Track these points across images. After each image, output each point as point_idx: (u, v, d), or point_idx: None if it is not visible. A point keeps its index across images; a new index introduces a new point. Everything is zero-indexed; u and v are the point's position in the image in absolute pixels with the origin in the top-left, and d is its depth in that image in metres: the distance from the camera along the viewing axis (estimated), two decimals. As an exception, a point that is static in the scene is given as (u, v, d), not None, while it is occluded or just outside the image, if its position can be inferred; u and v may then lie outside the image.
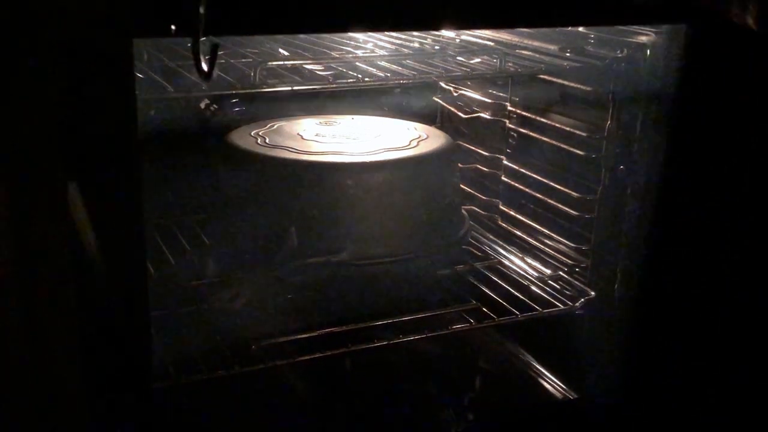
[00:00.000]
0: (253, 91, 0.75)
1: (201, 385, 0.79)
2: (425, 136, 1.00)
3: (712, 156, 0.82)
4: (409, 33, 1.03)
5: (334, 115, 1.08)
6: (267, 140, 0.96)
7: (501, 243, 1.10)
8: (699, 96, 0.80)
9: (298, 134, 0.98)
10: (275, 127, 1.02)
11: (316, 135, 0.98)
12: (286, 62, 0.84)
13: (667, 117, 0.82)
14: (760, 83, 0.80)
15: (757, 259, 0.88)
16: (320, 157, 0.90)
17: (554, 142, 0.99)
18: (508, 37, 1.03)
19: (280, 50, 0.94)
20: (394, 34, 1.03)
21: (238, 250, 0.93)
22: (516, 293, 0.94)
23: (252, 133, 0.98)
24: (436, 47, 0.98)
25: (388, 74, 0.83)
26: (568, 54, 0.90)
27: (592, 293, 0.95)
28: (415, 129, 1.03)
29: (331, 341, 0.90)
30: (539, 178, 1.02)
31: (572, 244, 0.99)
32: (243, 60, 0.88)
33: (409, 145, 0.96)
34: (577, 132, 0.94)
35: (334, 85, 0.82)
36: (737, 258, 0.87)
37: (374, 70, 0.86)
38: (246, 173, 0.93)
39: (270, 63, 0.82)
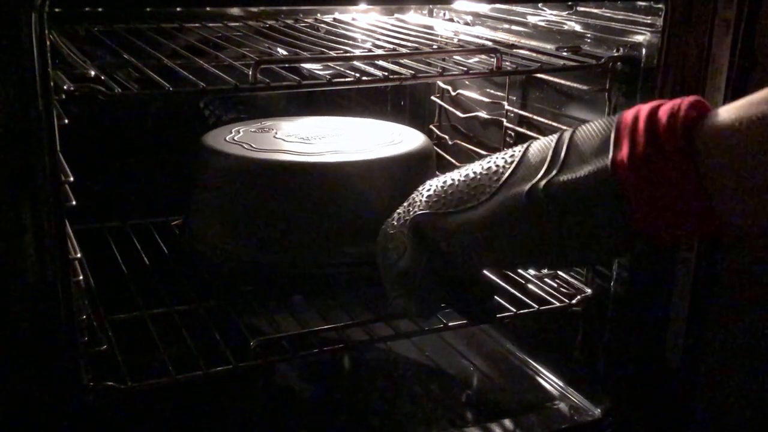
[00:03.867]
0: (252, 90, 0.75)
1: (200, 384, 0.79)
2: (399, 139, 1.00)
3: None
4: (407, 33, 1.04)
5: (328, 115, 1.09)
6: (236, 138, 0.98)
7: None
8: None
9: (273, 135, 1.00)
10: (248, 128, 1.04)
11: (288, 135, 1.00)
12: (284, 62, 0.85)
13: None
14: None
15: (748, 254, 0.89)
16: (288, 157, 0.92)
17: (552, 141, 0.99)
18: (506, 37, 1.03)
19: (279, 50, 0.95)
20: (393, 33, 1.03)
21: None
22: (513, 291, 0.94)
23: (226, 136, 0.99)
24: (434, 46, 0.98)
25: (387, 73, 0.83)
26: (564, 53, 0.91)
27: (589, 291, 0.95)
28: (391, 131, 1.04)
29: (328, 338, 0.90)
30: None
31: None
32: (242, 60, 0.89)
33: (381, 146, 0.97)
34: (575, 131, 0.94)
35: (332, 85, 0.82)
36: (734, 254, 0.88)
37: (373, 69, 0.86)
38: (213, 171, 0.95)
39: (268, 62, 0.82)
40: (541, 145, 0.67)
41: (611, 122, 0.63)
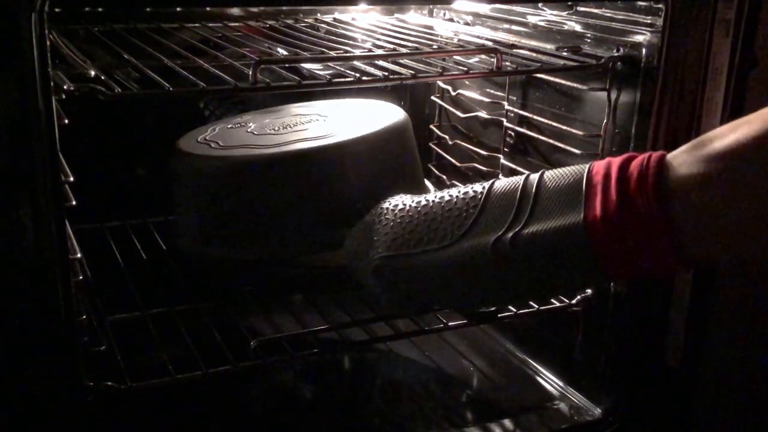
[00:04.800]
0: (252, 90, 0.75)
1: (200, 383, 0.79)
2: (374, 117, 0.96)
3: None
4: (407, 33, 1.04)
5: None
6: (208, 137, 0.96)
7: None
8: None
9: (246, 130, 0.98)
10: (225, 125, 1.02)
11: (261, 128, 0.97)
12: (283, 62, 0.85)
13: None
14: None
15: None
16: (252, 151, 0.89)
17: (551, 141, 0.99)
18: (506, 37, 1.03)
19: (279, 50, 0.95)
20: (393, 33, 1.03)
21: None
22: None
23: (199, 136, 0.97)
24: (434, 47, 0.98)
25: (387, 73, 0.83)
26: (564, 53, 0.91)
27: (589, 291, 0.95)
28: (369, 109, 1.01)
29: (328, 338, 0.90)
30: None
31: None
32: (242, 60, 0.89)
33: (354, 126, 0.93)
34: (574, 131, 0.94)
35: (332, 85, 0.82)
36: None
37: (373, 69, 0.86)
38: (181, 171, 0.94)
39: (268, 62, 0.82)
40: (505, 190, 0.67)
41: (580, 173, 0.63)
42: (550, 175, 0.66)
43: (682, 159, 0.58)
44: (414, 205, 0.71)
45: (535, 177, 0.66)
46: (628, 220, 0.58)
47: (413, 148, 0.98)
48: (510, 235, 0.63)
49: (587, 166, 0.64)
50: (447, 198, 0.69)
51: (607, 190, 0.60)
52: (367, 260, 0.72)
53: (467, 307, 0.77)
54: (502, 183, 0.68)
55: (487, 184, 0.69)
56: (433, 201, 0.70)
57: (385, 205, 0.74)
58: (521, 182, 0.66)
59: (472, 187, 0.69)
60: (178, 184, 0.95)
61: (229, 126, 1.01)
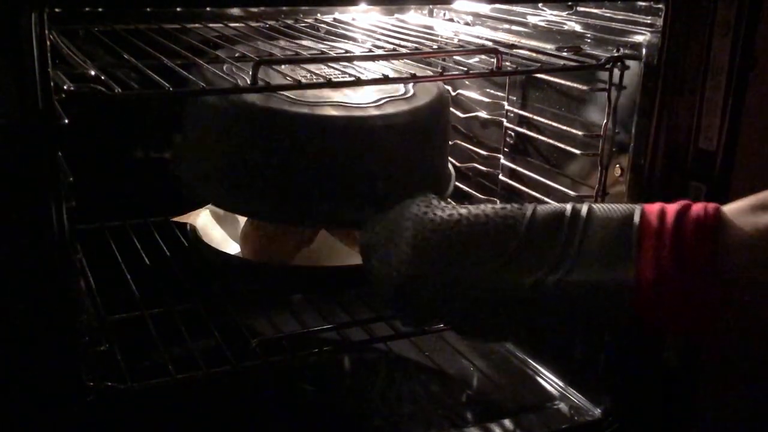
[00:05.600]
0: (252, 90, 0.75)
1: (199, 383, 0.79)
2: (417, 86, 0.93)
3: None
4: (407, 33, 1.04)
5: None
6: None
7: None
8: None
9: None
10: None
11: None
12: (284, 62, 0.85)
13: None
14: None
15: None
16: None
17: (551, 141, 0.99)
18: (506, 37, 1.03)
19: (279, 50, 0.95)
20: (393, 33, 1.03)
21: None
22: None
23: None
24: (434, 47, 0.98)
25: (387, 73, 0.83)
26: (565, 53, 0.91)
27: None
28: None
29: (328, 338, 0.90)
30: (537, 176, 1.03)
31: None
32: (241, 60, 0.89)
33: (403, 93, 0.91)
34: (574, 131, 0.94)
35: (332, 85, 0.82)
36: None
37: (372, 69, 0.86)
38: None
39: (268, 62, 0.82)
40: (550, 220, 0.62)
41: (631, 215, 0.59)
42: (599, 212, 0.61)
43: (743, 218, 0.57)
44: (446, 218, 0.65)
45: (583, 211, 0.62)
46: (682, 281, 0.56)
47: (449, 123, 0.94)
48: (553, 279, 0.59)
49: (639, 209, 0.60)
50: (483, 218, 0.64)
51: (662, 247, 0.57)
52: (388, 270, 0.67)
53: (492, 336, 0.72)
54: (546, 212, 0.63)
55: (528, 211, 0.63)
56: (467, 218, 0.64)
57: (414, 209, 0.68)
58: (568, 215, 0.62)
59: (511, 210, 0.64)
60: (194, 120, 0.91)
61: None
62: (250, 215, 0.91)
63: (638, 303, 0.58)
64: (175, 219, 1.09)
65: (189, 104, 0.93)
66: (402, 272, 0.65)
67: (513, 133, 1.07)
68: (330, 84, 0.80)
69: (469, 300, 0.63)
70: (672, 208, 0.59)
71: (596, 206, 0.62)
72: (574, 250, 0.60)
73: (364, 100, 0.88)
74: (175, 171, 0.95)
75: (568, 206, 0.63)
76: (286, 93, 0.85)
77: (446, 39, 1.07)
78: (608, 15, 0.91)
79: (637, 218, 0.59)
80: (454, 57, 0.96)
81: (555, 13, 0.98)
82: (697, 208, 0.59)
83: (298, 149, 0.84)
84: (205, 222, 1.00)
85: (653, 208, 0.60)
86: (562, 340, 0.63)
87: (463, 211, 0.66)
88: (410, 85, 0.93)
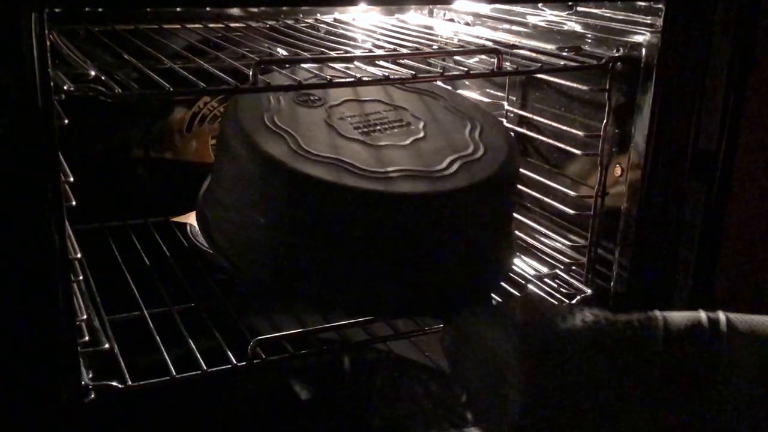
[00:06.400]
0: (252, 90, 0.75)
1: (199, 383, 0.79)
2: (481, 128, 0.84)
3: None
4: (407, 33, 1.04)
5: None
6: (276, 120, 0.83)
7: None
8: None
9: (325, 119, 0.83)
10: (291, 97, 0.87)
11: (343, 119, 0.83)
12: (284, 62, 0.85)
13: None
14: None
15: (748, 256, 0.89)
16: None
17: (551, 141, 0.99)
18: (506, 37, 1.03)
19: (279, 50, 0.95)
20: (393, 34, 1.03)
21: None
22: (513, 291, 0.94)
23: (264, 114, 0.81)
24: (434, 47, 0.98)
25: (387, 73, 0.83)
26: (565, 53, 0.91)
27: (589, 291, 0.95)
28: (464, 112, 0.89)
29: (328, 338, 0.90)
30: (536, 176, 1.03)
31: (569, 243, 1.00)
32: (241, 60, 0.89)
33: (472, 152, 0.80)
34: (574, 131, 0.94)
35: (332, 86, 0.82)
36: (733, 255, 0.88)
37: (373, 69, 0.86)
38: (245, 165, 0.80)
39: (268, 62, 0.82)
40: None
41: None
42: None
43: None
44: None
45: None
46: None
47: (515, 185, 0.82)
48: None
49: None
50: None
51: None
52: (498, 401, 0.60)
53: None
54: None
55: None
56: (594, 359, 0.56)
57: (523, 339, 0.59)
58: None
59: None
60: (236, 177, 0.82)
61: (298, 100, 0.87)
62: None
63: None
64: (175, 219, 1.09)
65: (226, 162, 0.82)
66: (521, 412, 0.58)
67: (513, 133, 1.07)
68: (330, 84, 0.80)
69: None
70: None
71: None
72: None
73: (434, 163, 0.79)
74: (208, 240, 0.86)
75: None
76: (349, 160, 0.75)
77: (446, 39, 1.07)
78: (608, 15, 0.91)
79: None
80: (454, 57, 0.96)
81: (555, 13, 0.98)
82: None
83: (374, 229, 0.74)
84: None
85: None
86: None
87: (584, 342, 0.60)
88: (478, 140, 0.86)
